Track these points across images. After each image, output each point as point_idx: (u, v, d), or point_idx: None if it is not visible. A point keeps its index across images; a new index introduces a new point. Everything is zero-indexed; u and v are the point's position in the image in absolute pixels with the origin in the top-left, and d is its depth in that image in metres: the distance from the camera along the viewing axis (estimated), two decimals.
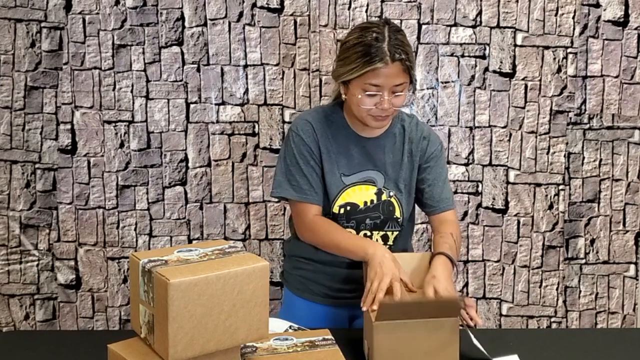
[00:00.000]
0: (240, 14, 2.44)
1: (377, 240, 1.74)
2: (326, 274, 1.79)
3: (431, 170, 1.76)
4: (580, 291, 2.59)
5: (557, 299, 2.58)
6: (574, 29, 2.47)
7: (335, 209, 1.73)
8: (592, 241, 2.57)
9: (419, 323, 1.42)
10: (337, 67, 1.68)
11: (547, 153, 2.52)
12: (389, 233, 1.76)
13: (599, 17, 2.48)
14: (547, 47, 2.48)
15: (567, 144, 2.52)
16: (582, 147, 2.53)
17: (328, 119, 1.75)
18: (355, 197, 1.73)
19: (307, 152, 1.72)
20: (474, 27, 2.46)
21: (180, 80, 2.46)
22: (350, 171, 1.73)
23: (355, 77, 1.62)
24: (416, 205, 1.84)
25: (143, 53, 2.44)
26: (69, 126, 2.46)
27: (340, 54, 1.68)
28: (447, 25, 2.46)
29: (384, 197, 1.74)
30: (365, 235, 1.74)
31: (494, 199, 2.54)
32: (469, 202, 2.53)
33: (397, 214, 1.75)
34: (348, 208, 1.72)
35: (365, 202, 1.73)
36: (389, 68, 1.59)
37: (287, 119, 2.47)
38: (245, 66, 2.46)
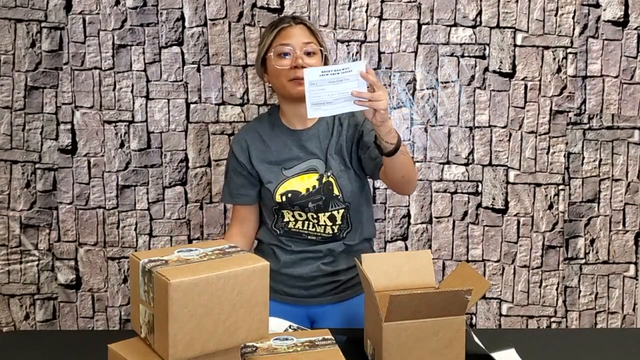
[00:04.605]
0: (240, 14, 2.44)
1: (324, 222, 1.85)
2: (283, 274, 1.90)
3: (365, 137, 1.84)
4: (580, 291, 2.59)
5: (557, 299, 2.58)
6: (573, 29, 2.48)
7: (277, 198, 1.85)
8: (592, 241, 2.57)
9: (426, 323, 1.43)
10: (256, 57, 1.89)
11: (547, 153, 2.52)
12: (335, 212, 1.85)
13: (599, 17, 2.48)
14: (547, 47, 2.48)
15: (567, 144, 2.52)
16: (582, 147, 2.53)
17: (264, 124, 1.92)
18: (297, 185, 1.84)
19: (238, 166, 1.90)
20: (473, 27, 2.46)
21: (180, 80, 2.46)
22: (291, 164, 1.86)
23: (268, 47, 1.82)
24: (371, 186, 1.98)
25: (143, 53, 2.44)
26: (69, 126, 2.46)
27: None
28: (447, 25, 2.46)
29: (324, 179, 1.84)
30: (312, 217, 1.85)
31: (493, 199, 2.54)
32: (468, 202, 2.53)
33: (336, 191, 1.83)
34: (289, 195, 1.84)
35: (308, 189, 1.83)
36: (294, 28, 1.81)
37: None
38: (245, 66, 2.46)
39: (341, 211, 1.85)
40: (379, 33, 2.45)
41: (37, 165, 2.47)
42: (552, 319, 2.59)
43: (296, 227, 1.87)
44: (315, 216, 1.84)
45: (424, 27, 2.46)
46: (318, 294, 1.90)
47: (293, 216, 1.87)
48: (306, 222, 1.86)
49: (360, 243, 1.92)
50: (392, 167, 1.71)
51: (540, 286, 2.57)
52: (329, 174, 1.83)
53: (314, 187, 1.83)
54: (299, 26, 1.82)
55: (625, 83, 2.51)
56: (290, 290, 1.90)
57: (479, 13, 2.46)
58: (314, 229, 1.87)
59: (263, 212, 1.96)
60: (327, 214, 1.84)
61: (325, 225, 1.86)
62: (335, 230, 1.87)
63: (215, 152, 2.49)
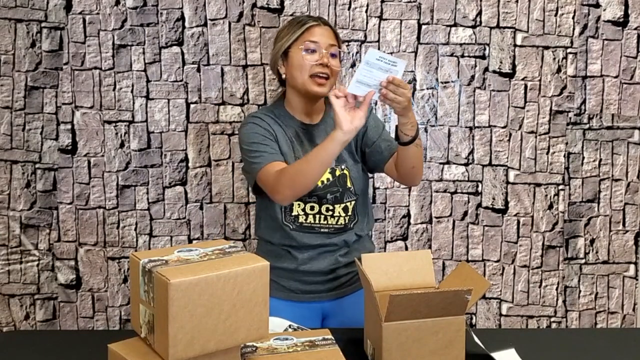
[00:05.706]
0: (240, 14, 2.44)
1: (338, 213, 1.88)
2: (289, 271, 1.91)
3: (369, 132, 1.90)
4: (580, 291, 2.59)
5: (557, 299, 2.58)
6: (573, 29, 2.48)
7: None
8: (592, 241, 2.57)
9: (426, 323, 1.43)
10: (275, 45, 1.90)
11: (547, 153, 2.52)
12: (348, 204, 1.89)
13: (599, 17, 2.48)
14: (547, 47, 2.48)
15: (567, 144, 2.53)
16: (582, 147, 2.53)
17: (274, 114, 1.91)
18: None
19: (263, 132, 1.84)
20: (473, 27, 2.46)
21: (181, 80, 2.46)
22: (304, 155, 1.85)
23: (293, 41, 1.84)
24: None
25: (143, 53, 2.44)
26: (69, 126, 2.46)
27: (276, 37, 1.91)
28: (447, 26, 2.46)
29: (337, 172, 1.88)
30: (327, 209, 1.87)
31: (493, 199, 2.54)
32: (468, 202, 2.53)
33: (349, 183, 1.89)
34: None
35: (323, 182, 1.86)
36: (322, 28, 1.85)
37: None
38: (245, 66, 2.46)
39: (352, 203, 1.90)
40: (379, 33, 2.46)
41: (37, 165, 2.48)
42: (552, 319, 2.59)
43: (308, 221, 1.88)
44: (331, 207, 1.87)
45: (424, 27, 2.46)
46: (334, 287, 1.92)
47: (303, 210, 1.87)
48: (317, 216, 1.88)
49: (365, 235, 1.98)
50: (405, 157, 1.79)
51: (540, 286, 2.57)
52: (342, 167, 1.88)
53: (328, 179, 1.86)
54: (325, 27, 1.86)
55: (625, 83, 2.51)
56: (307, 287, 1.91)
57: (479, 13, 2.46)
58: (325, 222, 1.88)
59: (270, 208, 1.90)
60: (342, 205, 1.88)
61: (339, 217, 1.89)
62: (347, 221, 1.90)
63: (215, 152, 2.49)
